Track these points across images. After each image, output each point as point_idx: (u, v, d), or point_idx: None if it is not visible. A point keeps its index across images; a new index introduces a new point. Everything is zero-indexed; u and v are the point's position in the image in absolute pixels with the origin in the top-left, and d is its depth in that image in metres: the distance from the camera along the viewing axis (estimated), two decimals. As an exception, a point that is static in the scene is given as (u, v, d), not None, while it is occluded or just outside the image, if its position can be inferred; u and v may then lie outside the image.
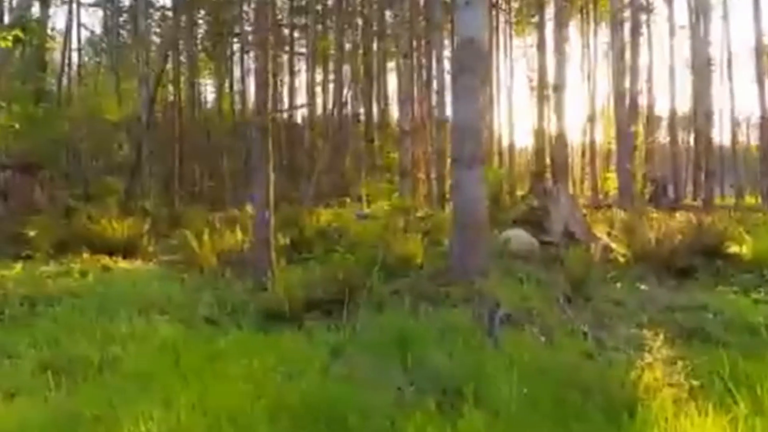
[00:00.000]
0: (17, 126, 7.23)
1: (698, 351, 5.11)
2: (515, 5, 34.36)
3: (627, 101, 18.10)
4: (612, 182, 27.74)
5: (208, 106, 42.33)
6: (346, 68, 32.97)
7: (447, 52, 28.77)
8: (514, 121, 34.28)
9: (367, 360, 4.93)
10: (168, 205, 21.85)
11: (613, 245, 9.14)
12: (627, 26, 19.68)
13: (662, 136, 30.96)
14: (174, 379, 4.23)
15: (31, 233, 9.70)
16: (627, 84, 18.22)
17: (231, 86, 38.49)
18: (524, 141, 34.31)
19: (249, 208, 22.46)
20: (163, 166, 25.60)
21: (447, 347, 5.19)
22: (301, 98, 37.03)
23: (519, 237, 9.00)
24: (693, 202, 26.06)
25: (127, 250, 11.01)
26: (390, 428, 3.32)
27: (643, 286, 7.39)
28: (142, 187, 21.05)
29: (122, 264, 9.62)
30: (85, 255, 9.54)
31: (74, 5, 31.67)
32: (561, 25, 20.49)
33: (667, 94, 27.14)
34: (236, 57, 38.56)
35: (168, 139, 26.98)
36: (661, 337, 5.35)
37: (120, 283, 8.21)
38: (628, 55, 18.69)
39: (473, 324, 5.92)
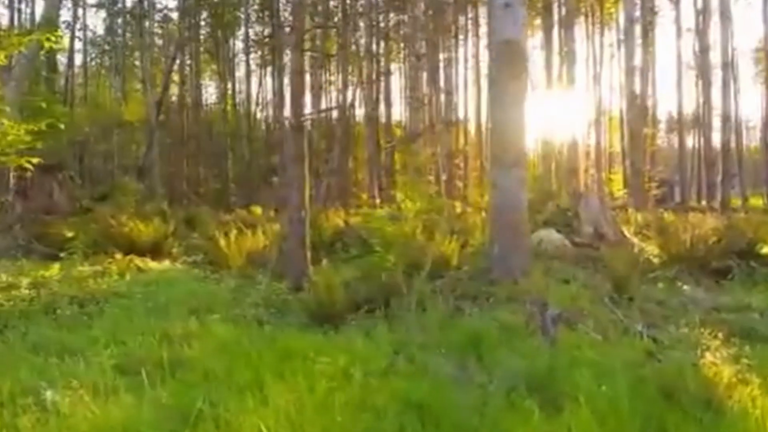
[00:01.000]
0: (43, 127, 7.18)
1: (757, 351, 5.16)
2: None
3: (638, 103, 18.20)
4: (617, 183, 27.91)
5: (210, 107, 42.32)
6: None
7: (455, 53, 28.90)
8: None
9: (436, 359, 4.97)
10: (178, 206, 21.85)
11: (645, 246, 9.20)
12: (636, 29, 19.74)
13: (665, 138, 31.07)
14: (252, 378, 4.25)
15: (69, 234, 9.71)
16: (637, 86, 18.33)
17: (233, 88, 38.47)
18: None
19: (257, 210, 22.57)
20: (170, 167, 25.65)
21: (509, 346, 5.23)
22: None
23: (551, 237, 9.06)
24: (698, 203, 26.19)
25: (153, 251, 11.03)
26: (494, 427, 3.34)
27: (685, 287, 7.44)
28: (151, 188, 21.06)
29: (152, 264, 9.63)
30: (117, 255, 9.52)
31: (79, 6, 31.73)
32: (567, 27, 20.57)
33: (674, 95, 27.23)
34: (237, 58, 38.56)
35: (174, 141, 26.99)
36: (718, 336, 5.40)
37: (158, 283, 8.23)
38: (638, 57, 18.80)
39: (526, 323, 5.95)
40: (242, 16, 36.93)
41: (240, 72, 39.02)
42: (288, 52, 34.92)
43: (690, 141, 30.01)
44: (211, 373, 4.45)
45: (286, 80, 36.48)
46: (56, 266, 8.38)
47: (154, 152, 19.25)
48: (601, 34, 26.49)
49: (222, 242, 10.54)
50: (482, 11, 33.59)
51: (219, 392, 3.92)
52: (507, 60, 7.75)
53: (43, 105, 10.15)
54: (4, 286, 6.85)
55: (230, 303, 7.27)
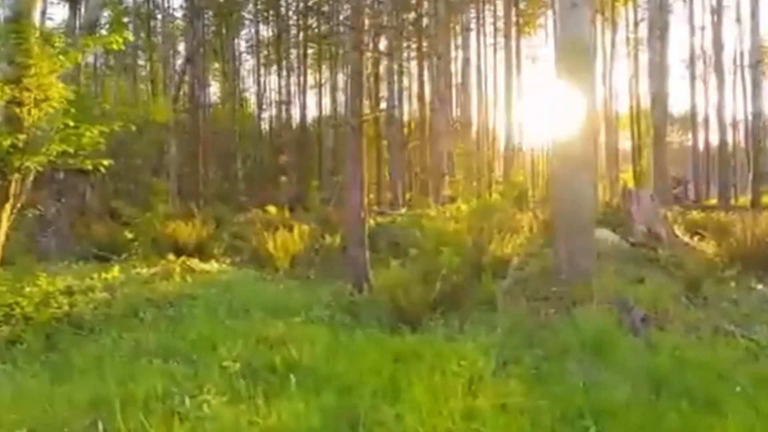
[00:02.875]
0: (116, 128, 7.13)
1: None
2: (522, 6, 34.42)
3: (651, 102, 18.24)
4: (628, 182, 27.94)
5: (216, 107, 42.09)
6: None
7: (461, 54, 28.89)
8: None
9: (545, 361, 4.98)
10: (194, 206, 21.76)
11: (701, 246, 9.22)
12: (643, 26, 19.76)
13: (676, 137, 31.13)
14: (381, 381, 4.23)
15: (129, 236, 9.66)
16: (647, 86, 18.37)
17: (238, 87, 38.29)
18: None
19: (272, 209, 22.44)
20: (183, 167, 25.51)
21: (609, 347, 5.23)
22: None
23: (607, 238, 9.07)
24: (710, 201, 26.25)
25: (197, 252, 11.00)
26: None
27: (759, 286, 7.46)
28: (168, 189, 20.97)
29: (203, 266, 9.56)
30: (170, 257, 9.47)
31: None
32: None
33: (688, 94, 27.26)
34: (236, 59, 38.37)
35: (188, 142, 26.86)
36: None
37: (220, 285, 8.19)
38: (657, 56, 18.84)
39: (618, 324, 5.94)
40: (246, 15, 36.88)
41: (243, 72, 38.93)
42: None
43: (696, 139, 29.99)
44: (334, 378, 4.43)
45: (291, 79, 36.57)
46: (115, 268, 8.32)
47: (171, 152, 19.16)
48: (614, 32, 26.48)
49: (270, 243, 10.54)
50: (488, 11, 33.79)
51: (360, 397, 3.89)
52: (572, 57, 7.76)
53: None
54: (83, 289, 6.79)
55: (302, 305, 7.24)
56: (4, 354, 5.24)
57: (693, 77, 26.40)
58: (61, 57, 6.41)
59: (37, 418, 3.70)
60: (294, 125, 35.96)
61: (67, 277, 7.45)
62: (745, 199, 28.26)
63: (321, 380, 4.40)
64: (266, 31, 37.83)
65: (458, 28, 28.64)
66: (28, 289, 6.30)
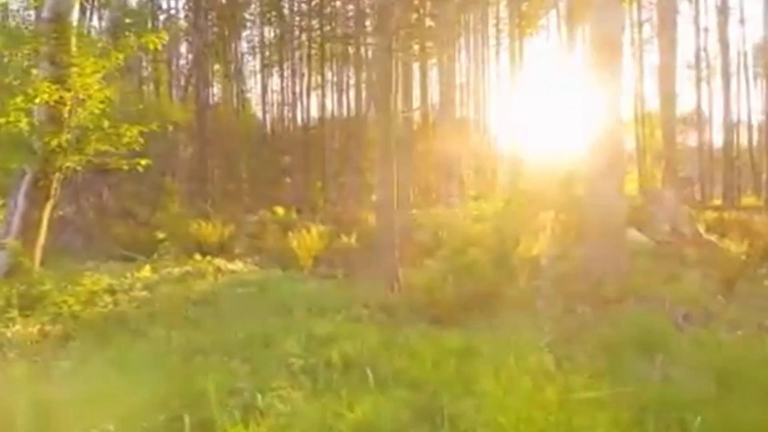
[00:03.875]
0: (155, 128, 7.17)
1: None
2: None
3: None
4: (632, 183, 28.05)
5: (218, 108, 42.06)
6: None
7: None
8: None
9: (597, 357, 5.02)
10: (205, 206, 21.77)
11: (726, 244, 9.28)
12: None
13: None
14: (441, 375, 4.28)
15: (161, 235, 9.69)
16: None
17: (240, 89, 38.28)
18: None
19: (279, 210, 22.45)
20: (191, 168, 25.51)
21: (658, 344, 5.27)
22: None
23: (633, 237, 9.12)
24: (715, 202, 26.35)
25: (220, 251, 11.04)
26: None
27: (793, 284, 7.54)
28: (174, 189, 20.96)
29: (230, 266, 9.59)
30: (197, 257, 9.50)
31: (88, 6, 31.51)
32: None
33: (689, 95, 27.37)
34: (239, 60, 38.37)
35: (194, 142, 26.88)
36: None
37: (252, 284, 8.23)
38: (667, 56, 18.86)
39: (665, 322, 6.00)
40: (248, 16, 36.91)
41: (245, 72, 38.91)
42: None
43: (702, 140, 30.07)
44: (397, 373, 4.46)
45: (294, 80, 36.58)
46: (147, 268, 8.35)
47: (186, 153, 19.18)
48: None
49: (294, 243, 10.59)
50: (491, 12, 33.85)
51: (430, 391, 3.93)
52: (603, 57, 7.81)
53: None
54: (124, 288, 6.81)
55: (339, 304, 7.28)
56: (59, 351, 5.25)
57: (699, 78, 26.53)
58: (102, 57, 6.42)
59: (116, 414, 3.72)
60: (297, 126, 36.02)
61: (103, 276, 7.46)
62: (749, 200, 28.45)
63: (384, 376, 4.43)
64: (269, 33, 37.89)
65: (460, 28, 28.79)
66: (72, 288, 6.31)
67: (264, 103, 35.29)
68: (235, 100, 37.42)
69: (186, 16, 34.99)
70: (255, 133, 36.18)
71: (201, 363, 4.86)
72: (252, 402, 3.93)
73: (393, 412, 3.45)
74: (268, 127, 38.21)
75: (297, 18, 37.13)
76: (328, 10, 36.05)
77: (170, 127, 21.15)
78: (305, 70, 35.92)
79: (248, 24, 37.86)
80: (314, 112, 36.80)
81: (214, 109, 35.46)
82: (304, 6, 36.46)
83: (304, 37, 36.83)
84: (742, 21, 27.41)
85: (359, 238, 14.02)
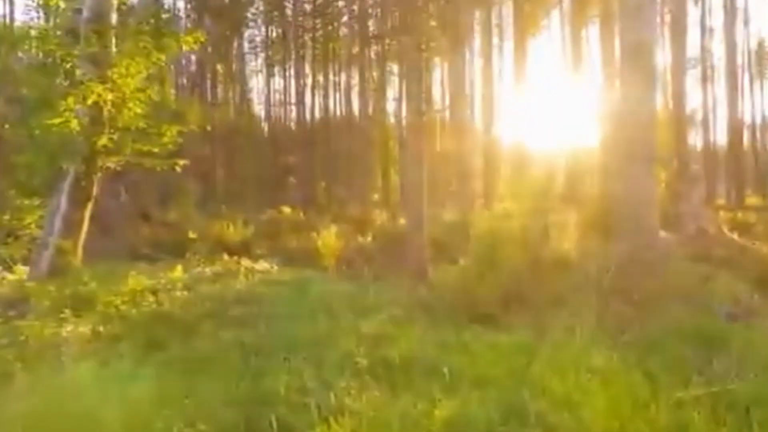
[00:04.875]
0: (195, 128, 7.19)
1: None
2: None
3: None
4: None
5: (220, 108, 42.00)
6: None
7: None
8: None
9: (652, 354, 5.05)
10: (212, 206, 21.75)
11: (750, 243, 9.35)
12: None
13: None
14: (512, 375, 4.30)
15: (192, 235, 9.70)
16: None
17: (242, 89, 38.26)
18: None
19: (286, 210, 22.47)
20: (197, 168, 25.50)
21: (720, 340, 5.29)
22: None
23: (660, 236, 9.16)
24: (720, 201, 26.45)
25: (242, 251, 11.07)
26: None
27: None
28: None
29: (257, 265, 9.60)
30: (225, 257, 9.52)
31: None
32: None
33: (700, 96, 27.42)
34: (241, 60, 38.33)
35: (200, 142, 26.84)
36: None
37: (284, 284, 8.24)
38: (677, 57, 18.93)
39: (706, 319, 6.04)
40: (250, 16, 36.92)
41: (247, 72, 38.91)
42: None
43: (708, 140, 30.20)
44: (461, 372, 4.48)
45: (299, 80, 36.57)
46: (179, 268, 8.35)
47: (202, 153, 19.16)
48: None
49: (319, 243, 10.62)
50: (493, 12, 33.86)
51: (503, 389, 3.96)
52: (636, 58, 7.85)
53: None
54: (169, 288, 6.82)
55: (377, 303, 7.30)
56: (112, 351, 5.25)
57: (705, 78, 26.63)
58: (145, 57, 6.44)
59: (189, 414, 3.74)
60: (300, 126, 36.01)
61: (140, 276, 7.46)
62: (752, 200, 28.56)
63: (449, 375, 4.45)
64: (271, 32, 37.88)
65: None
66: (117, 288, 6.32)
67: (269, 103, 35.17)
68: (238, 99, 37.42)
69: (188, 16, 34.99)
70: (258, 133, 36.17)
71: (260, 363, 4.88)
72: (325, 401, 3.93)
73: (481, 410, 3.47)
74: (272, 127, 38.16)
75: (300, 18, 37.13)
76: (329, 9, 36.14)
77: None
78: (309, 70, 35.93)
79: (251, 24, 37.85)
80: (318, 112, 36.86)
81: (218, 109, 35.44)
82: (307, 6, 36.46)
83: (307, 36, 36.81)
84: (746, 21, 27.58)
85: (374, 237, 14.08)
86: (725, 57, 24.29)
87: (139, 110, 6.33)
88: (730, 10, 23.56)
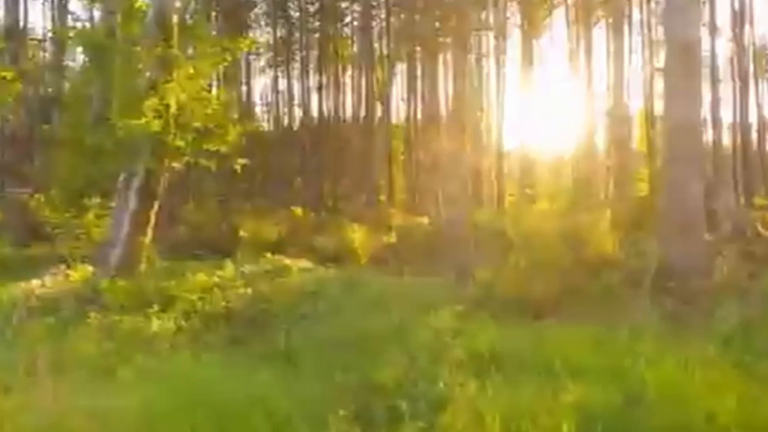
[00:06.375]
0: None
1: None
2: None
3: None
4: (644, 183, 28.29)
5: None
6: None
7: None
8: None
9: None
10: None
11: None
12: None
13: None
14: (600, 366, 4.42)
15: (243, 234, 9.81)
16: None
17: (247, 88, 38.18)
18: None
19: (297, 210, 22.56)
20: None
21: None
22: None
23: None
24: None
25: (276, 250, 11.17)
26: None
27: None
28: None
29: (300, 263, 9.71)
30: (267, 255, 9.62)
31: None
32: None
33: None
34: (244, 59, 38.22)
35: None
36: None
37: (332, 281, 8.35)
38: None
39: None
40: (253, 15, 36.90)
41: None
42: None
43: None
44: (549, 364, 4.60)
45: (306, 81, 36.63)
46: (229, 266, 8.45)
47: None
48: (630, 34, 26.87)
49: (356, 242, 10.75)
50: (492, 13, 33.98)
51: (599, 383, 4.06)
52: (682, 58, 7.99)
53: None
54: (229, 286, 6.93)
55: (432, 299, 7.42)
56: (197, 345, 5.35)
57: (713, 79, 26.74)
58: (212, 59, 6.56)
59: (314, 403, 3.84)
60: (304, 126, 36.04)
61: (197, 274, 7.57)
62: (761, 201, 28.71)
63: (539, 366, 4.57)
64: (275, 32, 37.87)
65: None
66: (188, 285, 6.44)
67: (278, 103, 35.17)
68: (243, 99, 37.38)
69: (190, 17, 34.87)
70: (263, 133, 36.11)
71: (346, 356, 4.98)
72: (430, 392, 4.02)
73: (602, 396, 3.60)
74: (277, 127, 38.13)
75: (306, 19, 37.12)
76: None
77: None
78: (314, 70, 35.96)
79: (253, 25, 37.79)
80: (323, 113, 36.88)
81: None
82: (311, 7, 36.47)
83: (312, 37, 36.83)
84: (751, 22, 27.74)
85: (398, 236, 14.19)
86: (735, 58, 24.46)
87: (209, 111, 6.44)
88: (739, 11, 23.76)
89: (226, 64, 6.81)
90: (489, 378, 4.23)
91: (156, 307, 5.52)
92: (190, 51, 6.84)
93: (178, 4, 7.05)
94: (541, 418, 3.41)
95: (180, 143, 6.21)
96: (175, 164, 6.70)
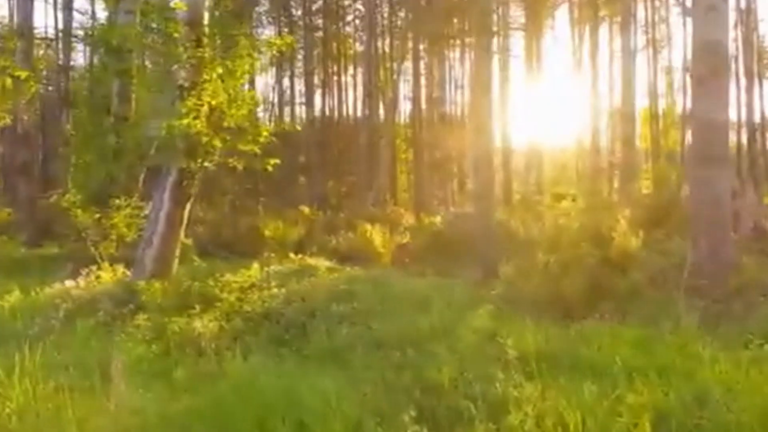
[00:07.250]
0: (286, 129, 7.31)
1: None
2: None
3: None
4: (647, 181, 28.39)
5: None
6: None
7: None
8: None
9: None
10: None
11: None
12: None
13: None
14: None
15: (267, 233, 9.80)
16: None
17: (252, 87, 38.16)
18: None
19: (305, 209, 22.51)
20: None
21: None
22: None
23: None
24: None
25: (298, 250, 11.19)
26: None
27: None
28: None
29: (325, 263, 9.70)
30: (292, 255, 9.63)
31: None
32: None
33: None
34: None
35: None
36: None
37: (360, 281, 8.35)
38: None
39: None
40: (255, 14, 36.83)
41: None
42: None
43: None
44: (600, 364, 4.62)
45: (305, 78, 36.54)
46: (255, 266, 8.42)
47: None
48: (635, 33, 26.91)
49: (378, 242, 10.75)
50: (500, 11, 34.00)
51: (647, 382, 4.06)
52: (710, 60, 7.99)
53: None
54: (264, 287, 6.92)
55: (460, 298, 7.45)
56: (238, 345, 5.33)
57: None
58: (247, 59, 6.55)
59: (375, 402, 3.85)
60: (308, 125, 35.98)
61: (226, 274, 7.56)
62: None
63: (589, 366, 4.59)
64: (279, 31, 37.80)
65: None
66: (225, 285, 6.43)
67: (282, 102, 35.14)
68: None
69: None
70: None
71: (394, 355, 4.96)
72: (488, 393, 4.03)
73: (670, 397, 3.61)
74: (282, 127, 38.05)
75: (309, 18, 37.07)
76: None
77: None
78: (317, 69, 35.92)
79: (256, 24, 37.69)
80: (326, 112, 36.85)
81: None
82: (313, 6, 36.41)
83: (316, 35, 36.75)
84: (756, 21, 27.79)
85: (413, 236, 14.20)
86: (742, 56, 24.50)
87: (244, 111, 6.44)
88: (746, 10, 23.82)
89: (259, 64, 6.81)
90: (541, 378, 4.26)
91: (198, 308, 5.51)
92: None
93: (207, 3, 7.00)
94: (612, 418, 3.42)
95: (217, 143, 6.19)
96: (207, 164, 6.66)
